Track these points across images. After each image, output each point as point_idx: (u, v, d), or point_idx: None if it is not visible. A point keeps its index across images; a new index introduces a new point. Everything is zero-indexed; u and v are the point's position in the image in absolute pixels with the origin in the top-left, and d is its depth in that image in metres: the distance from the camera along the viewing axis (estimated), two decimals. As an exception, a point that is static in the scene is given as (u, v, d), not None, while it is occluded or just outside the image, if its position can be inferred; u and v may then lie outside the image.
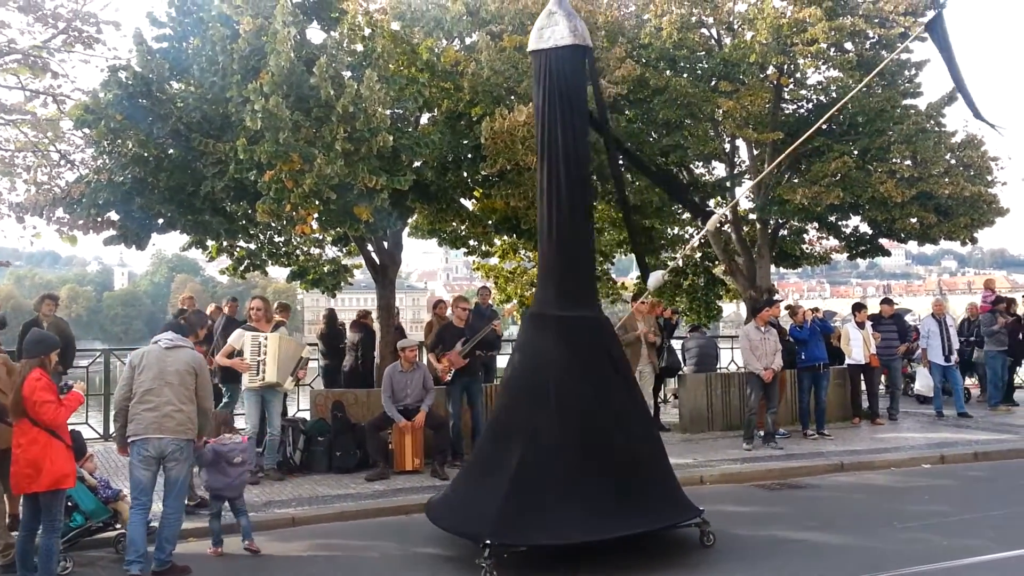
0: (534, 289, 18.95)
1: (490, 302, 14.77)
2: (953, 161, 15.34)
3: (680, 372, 13.53)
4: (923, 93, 16.42)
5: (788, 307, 14.15)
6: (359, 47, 10.83)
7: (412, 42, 11.94)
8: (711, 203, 18.60)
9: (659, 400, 13.59)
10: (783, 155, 11.94)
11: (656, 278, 8.71)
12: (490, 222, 13.58)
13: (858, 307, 14.24)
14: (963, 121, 21.05)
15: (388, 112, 10.91)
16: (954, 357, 14.00)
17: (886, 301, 15.30)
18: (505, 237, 15.87)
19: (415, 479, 9.51)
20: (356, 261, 13.88)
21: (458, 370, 10.28)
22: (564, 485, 6.63)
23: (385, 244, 12.86)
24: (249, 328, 9.69)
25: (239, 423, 9.62)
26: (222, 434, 7.31)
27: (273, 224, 10.44)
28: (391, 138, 9.37)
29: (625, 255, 19.80)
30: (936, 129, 15.57)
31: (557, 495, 6.56)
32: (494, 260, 19.06)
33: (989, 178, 15.80)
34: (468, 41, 12.48)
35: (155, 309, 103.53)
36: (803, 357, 12.32)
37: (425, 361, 11.03)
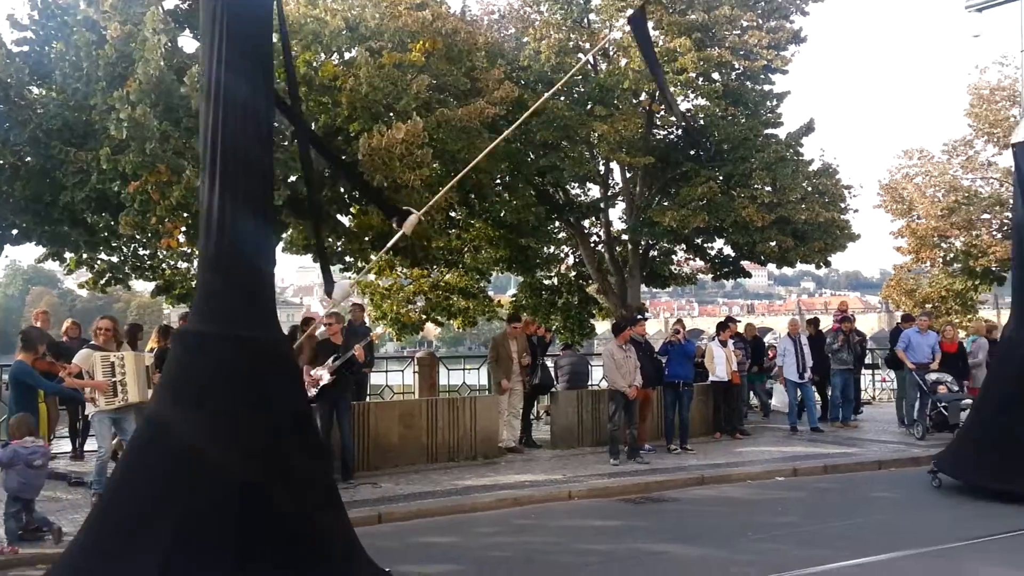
0: (410, 306, 19.17)
1: (365, 319, 14.67)
2: (809, 188, 16.32)
3: (552, 389, 13.80)
4: (783, 123, 17.42)
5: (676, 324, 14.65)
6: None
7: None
8: (585, 223, 19.10)
9: (531, 417, 13.80)
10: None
11: (343, 288, 7.87)
12: (367, 238, 13.51)
13: (722, 326, 14.87)
14: (819, 150, 22.37)
15: (262, 125, 10.75)
16: (807, 374, 14.79)
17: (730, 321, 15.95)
18: (381, 254, 15.80)
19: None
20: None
21: (327, 387, 10.14)
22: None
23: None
24: (95, 348, 9.14)
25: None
26: (24, 437, 7.40)
27: (138, 237, 10.10)
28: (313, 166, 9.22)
29: (502, 272, 20.05)
30: (794, 158, 16.55)
31: None
32: (371, 277, 18.95)
33: (842, 205, 16.90)
34: (347, 56, 12.43)
35: (7, 324, 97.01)
36: (667, 374, 12.79)
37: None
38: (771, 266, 19.91)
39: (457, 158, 12.47)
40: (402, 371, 17.43)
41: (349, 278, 13.13)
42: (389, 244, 8.13)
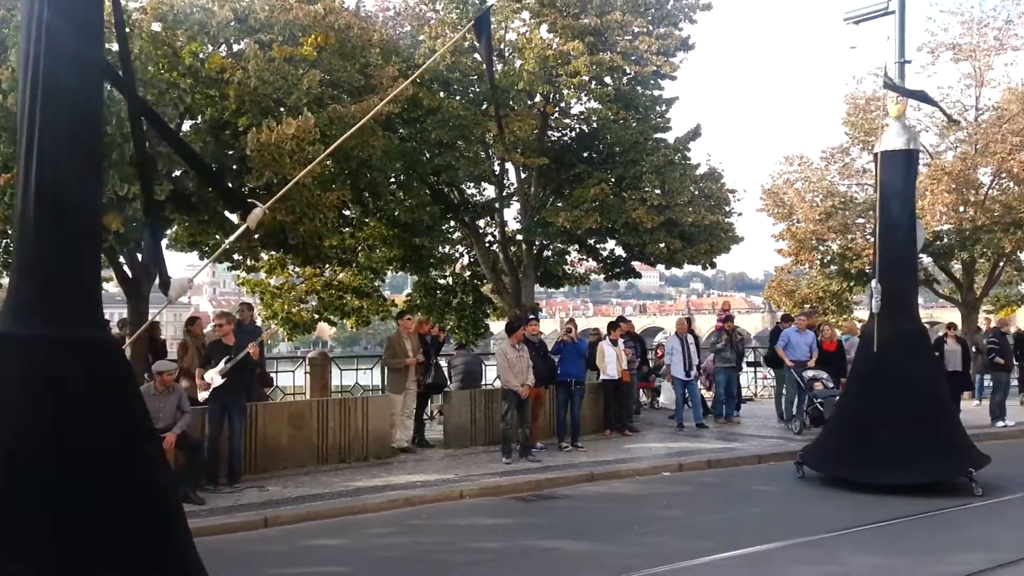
0: (302, 305, 18.83)
1: (255, 319, 14.33)
2: (696, 192, 16.82)
3: (446, 389, 13.79)
4: (672, 128, 17.90)
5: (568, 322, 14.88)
6: (114, 47, 10.19)
7: (174, 45, 11.40)
8: (480, 223, 19.17)
9: (424, 417, 13.76)
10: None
11: (179, 285, 6.80)
12: (256, 236, 13.18)
13: (613, 325, 15.16)
14: (706, 155, 23.09)
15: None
16: (694, 372, 15.25)
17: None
18: (272, 252, 15.48)
19: (166, 504, 9.00)
20: (106, 273, 12.98)
21: (218, 389, 9.86)
22: None
23: (139, 256, 12.13)
24: None
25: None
26: None
27: (10, 231, 9.57)
28: (146, 144, 8.89)
29: (396, 271, 19.92)
30: (682, 162, 17.03)
31: None
32: (262, 275, 18.53)
33: (727, 208, 17.49)
34: (236, 48, 12.11)
35: None
36: (559, 373, 12.97)
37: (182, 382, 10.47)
38: (661, 267, 20.43)
39: (350, 155, 12.33)
40: (293, 371, 17.10)
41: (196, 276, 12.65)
42: (232, 238, 7.90)
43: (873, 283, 10.55)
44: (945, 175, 18.59)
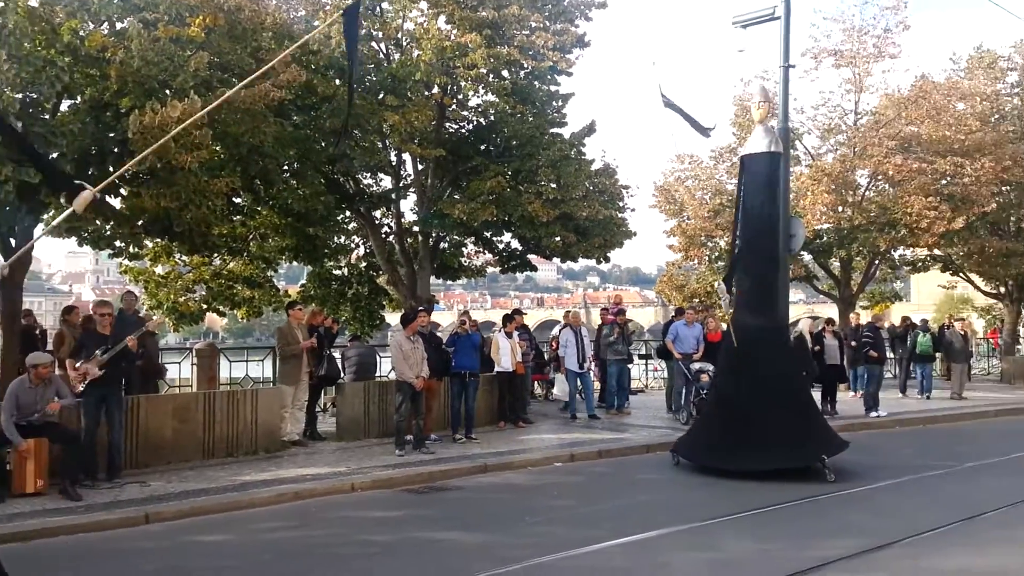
0: (189, 295, 18.20)
1: (138, 308, 13.79)
2: (591, 187, 17.07)
3: (339, 380, 13.61)
4: (568, 123, 18.11)
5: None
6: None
7: (52, 21, 10.80)
8: (376, 213, 18.97)
9: (316, 409, 13.55)
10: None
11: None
12: (139, 222, 12.68)
13: (508, 318, 15.27)
14: (601, 151, 23.47)
15: (19, 96, 9.82)
16: (587, 364, 15.50)
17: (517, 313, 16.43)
18: (157, 239, 14.91)
19: (38, 502, 8.59)
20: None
21: (95, 381, 9.45)
22: None
23: (13, 241, 11.49)
24: None
25: None
26: None
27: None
28: (20, 124, 8.44)
29: (288, 261, 19.50)
30: (577, 157, 17.25)
31: None
32: (147, 263, 17.84)
33: (620, 204, 17.83)
34: (119, 27, 11.57)
35: None
36: (454, 365, 12.99)
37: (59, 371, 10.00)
38: (558, 261, 20.64)
39: (240, 141, 11.98)
40: (180, 363, 16.54)
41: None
42: (57, 221, 7.60)
43: (717, 284, 11.00)
44: (825, 176, 19.42)
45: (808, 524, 8.19)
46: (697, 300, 22.87)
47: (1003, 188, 21.83)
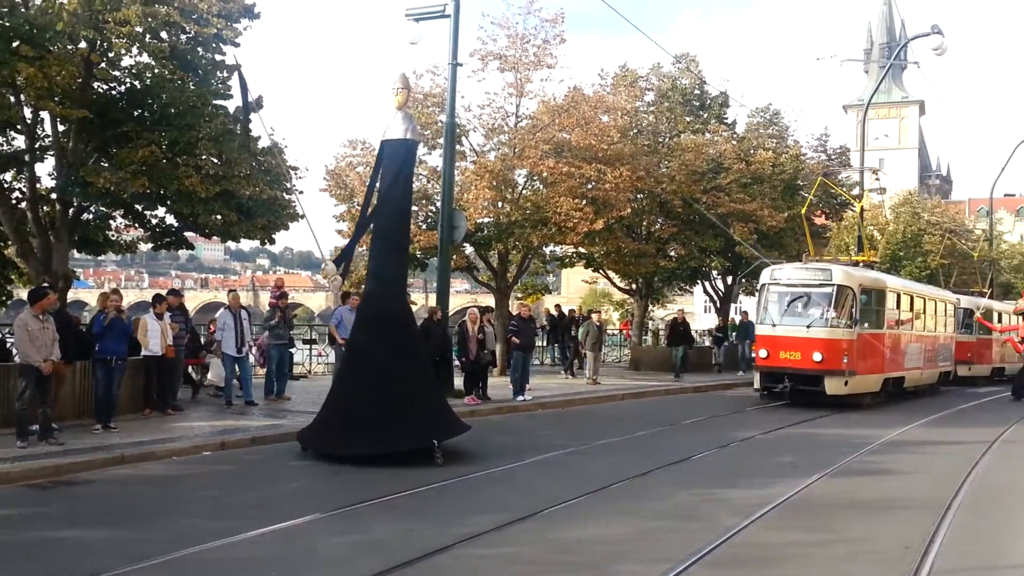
0: None
1: None
2: (256, 165, 16.40)
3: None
4: (233, 97, 17.17)
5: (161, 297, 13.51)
6: None
7: None
8: (7, 176, 16.75)
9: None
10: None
11: None
12: None
13: (158, 298, 14.24)
14: (269, 129, 22.72)
15: None
16: (246, 349, 14.93)
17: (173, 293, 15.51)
18: None
19: None
20: None
21: None
22: None
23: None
24: None
25: None
26: None
27: None
28: None
29: None
30: (241, 133, 16.46)
31: None
32: None
33: (288, 185, 17.32)
34: None
35: None
36: (98, 349, 11.89)
37: None
38: (229, 241, 19.62)
39: None
40: None
41: None
42: None
43: (325, 264, 11.38)
44: (488, 173, 20.45)
45: (453, 503, 8.59)
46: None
47: (637, 195, 24.50)
